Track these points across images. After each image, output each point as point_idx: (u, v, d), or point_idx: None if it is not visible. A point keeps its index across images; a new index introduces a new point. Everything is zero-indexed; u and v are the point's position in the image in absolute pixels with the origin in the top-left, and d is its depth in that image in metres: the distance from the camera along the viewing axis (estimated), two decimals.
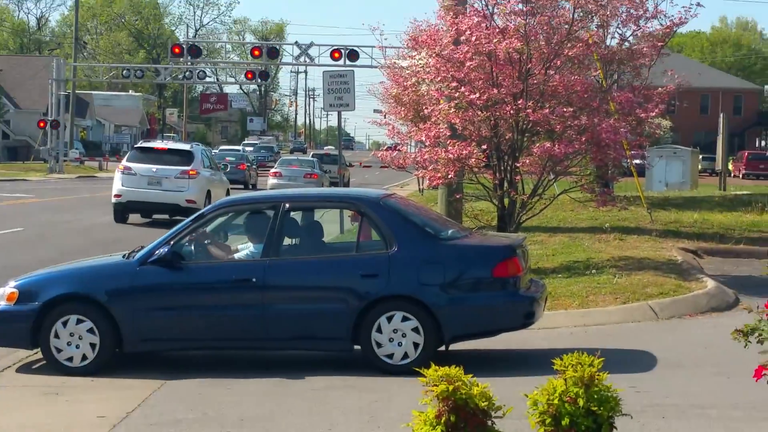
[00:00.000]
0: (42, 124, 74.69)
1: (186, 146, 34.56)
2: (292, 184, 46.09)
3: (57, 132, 72.52)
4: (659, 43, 19.98)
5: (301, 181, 48.40)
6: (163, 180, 31.09)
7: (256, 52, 61.44)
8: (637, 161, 26.60)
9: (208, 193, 31.67)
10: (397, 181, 58.41)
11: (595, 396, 6.72)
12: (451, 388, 6.70)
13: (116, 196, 31.45)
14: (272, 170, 52.71)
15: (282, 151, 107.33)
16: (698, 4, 19.45)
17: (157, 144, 35.65)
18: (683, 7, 19.56)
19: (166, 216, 31.19)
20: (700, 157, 61.54)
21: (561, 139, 18.37)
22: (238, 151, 71.49)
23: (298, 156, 68.02)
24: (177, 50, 60.45)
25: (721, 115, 50.57)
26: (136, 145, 36.92)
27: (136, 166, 31.62)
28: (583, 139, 18.31)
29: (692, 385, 10.71)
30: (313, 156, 65.31)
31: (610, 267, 17.85)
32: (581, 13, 19.21)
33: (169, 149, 33.16)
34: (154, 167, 31.34)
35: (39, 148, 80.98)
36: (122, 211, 31.66)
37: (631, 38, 20.17)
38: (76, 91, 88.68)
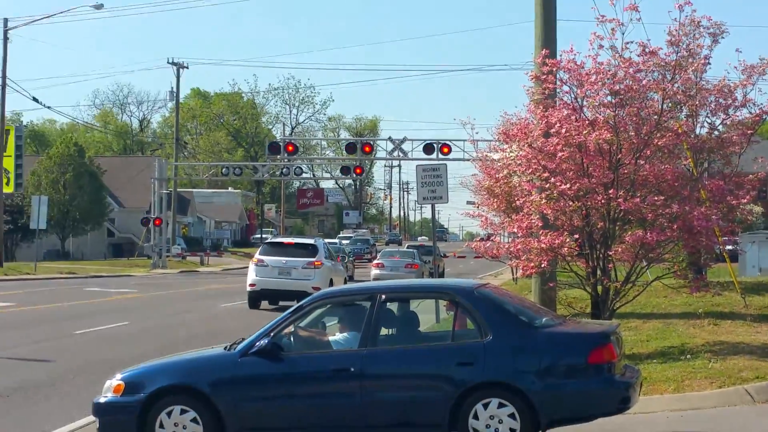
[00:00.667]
0: (145, 222, 76.15)
1: (311, 240, 38.10)
2: (394, 274, 47.34)
3: (159, 229, 73.84)
4: (749, 131, 19.88)
5: (402, 271, 49.38)
6: (292, 270, 34.45)
7: (351, 148, 62.15)
8: (730, 247, 26.38)
9: (331, 281, 34.63)
10: (491, 271, 58.30)
11: None
12: None
13: (251, 285, 34.70)
14: (375, 261, 53.32)
15: (377, 243, 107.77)
16: None
17: (286, 239, 39.80)
18: None
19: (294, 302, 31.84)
20: None
21: (653, 227, 18.32)
22: (335, 243, 72.05)
23: (398, 248, 68.53)
24: (274, 148, 61.40)
25: None
26: (266, 241, 40.68)
27: (267, 258, 34.94)
28: (675, 226, 18.23)
29: None
30: (408, 247, 65.77)
31: (705, 352, 17.65)
32: (670, 104, 19.21)
33: (296, 243, 36.98)
34: (283, 259, 34.74)
35: (142, 245, 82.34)
36: (256, 298, 34.72)
37: (720, 127, 20.10)
38: (178, 189, 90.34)
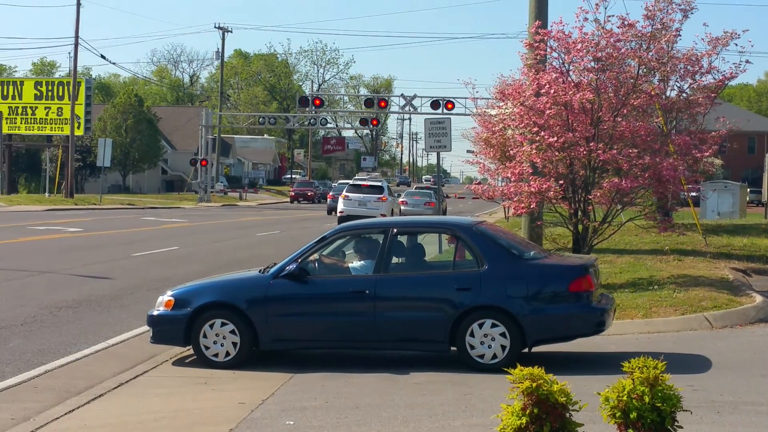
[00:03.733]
0: (193, 162, 76.14)
1: (379, 183, 47.11)
2: (416, 210, 49.79)
3: (205, 169, 73.83)
4: (712, 95, 19.72)
5: (421, 207, 50.79)
6: (367, 202, 43.16)
7: (369, 103, 61.89)
8: (693, 194, 26.14)
9: (392, 210, 43.98)
10: (487, 210, 58.18)
11: (659, 394, 6.56)
12: (534, 385, 6.60)
13: (340, 212, 43.32)
14: (400, 199, 53.20)
15: (390, 185, 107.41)
16: (747, 62, 19.11)
17: (363, 182, 47.78)
18: (734, 63, 19.26)
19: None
20: (748, 190, 60.30)
21: (627, 175, 18.14)
22: (349, 183, 71.78)
23: (419, 189, 68.74)
24: (303, 102, 61.20)
25: (766, 155, 49.61)
26: (350, 183, 49.52)
27: (351, 194, 44.21)
28: (647, 175, 18.06)
29: (742, 385, 10.40)
30: (416, 189, 65.75)
31: (670, 284, 17.50)
32: (645, 70, 18.99)
33: (370, 185, 45.87)
34: (361, 195, 43.92)
35: (191, 182, 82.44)
36: (343, 220, 37.38)
37: (688, 90, 19.89)
38: (221, 135, 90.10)
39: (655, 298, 15.99)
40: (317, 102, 61.16)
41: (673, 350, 12.29)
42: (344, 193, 45.13)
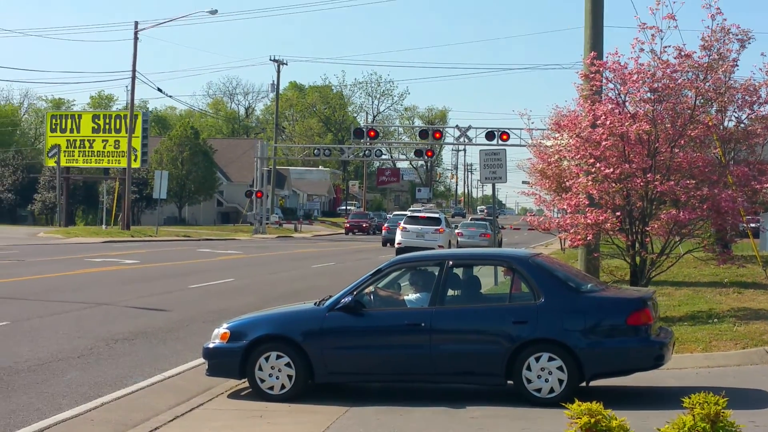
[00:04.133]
0: (249, 194, 76.77)
1: (436, 214, 48.76)
2: (472, 242, 49.60)
3: (260, 200, 74.32)
4: None
5: (477, 239, 50.28)
6: (425, 234, 44.15)
7: (424, 134, 62.07)
8: (753, 225, 25.77)
9: (449, 242, 44.80)
10: (542, 241, 57.86)
11: (721, 430, 6.47)
12: (593, 420, 6.55)
13: (398, 243, 44.54)
14: (456, 231, 53.02)
15: (445, 216, 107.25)
16: None
17: (421, 213, 49.68)
18: None
19: None
20: None
21: (685, 206, 18.00)
22: (407, 215, 71.94)
23: (474, 220, 68.65)
24: (358, 133, 61.53)
25: None
26: (407, 215, 50.66)
27: (408, 226, 45.16)
28: (705, 207, 17.90)
29: None
30: (471, 220, 65.64)
31: (730, 317, 17.25)
32: (702, 100, 18.87)
33: (427, 217, 47.40)
34: (419, 227, 44.82)
35: (246, 213, 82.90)
36: (401, 251, 39.01)
37: (746, 120, 19.73)
38: (276, 167, 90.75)
39: (714, 331, 15.77)
40: (372, 133, 61.42)
41: (733, 385, 12.09)
42: (402, 224, 45.98)
